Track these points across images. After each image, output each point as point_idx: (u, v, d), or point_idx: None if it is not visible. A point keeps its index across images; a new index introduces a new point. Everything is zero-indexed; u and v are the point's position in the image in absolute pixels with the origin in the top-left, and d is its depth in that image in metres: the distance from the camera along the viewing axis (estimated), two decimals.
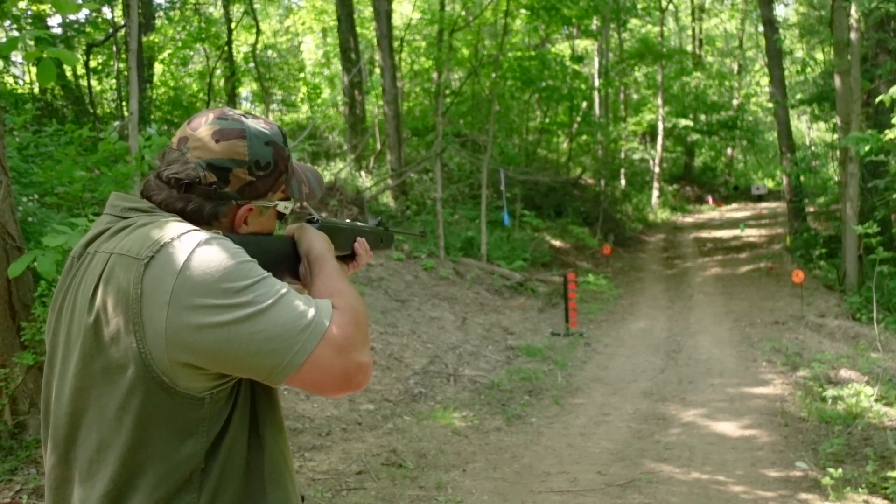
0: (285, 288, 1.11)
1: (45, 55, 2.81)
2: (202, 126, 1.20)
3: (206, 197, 1.18)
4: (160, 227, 1.11)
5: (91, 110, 12.58)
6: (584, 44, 21.79)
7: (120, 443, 1.08)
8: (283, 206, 1.29)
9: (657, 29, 26.65)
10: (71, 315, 1.13)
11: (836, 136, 13.80)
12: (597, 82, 21.97)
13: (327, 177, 14.13)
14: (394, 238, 1.73)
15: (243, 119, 1.22)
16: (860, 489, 4.11)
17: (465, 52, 17.76)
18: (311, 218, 1.42)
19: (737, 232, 19.63)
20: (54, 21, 12.44)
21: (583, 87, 20.02)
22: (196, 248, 1.06)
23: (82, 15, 12.50)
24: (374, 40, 16.10)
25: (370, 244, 1.58)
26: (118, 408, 1.07)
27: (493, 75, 15.80)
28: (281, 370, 1.07)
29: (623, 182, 24.09)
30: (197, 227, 1.12)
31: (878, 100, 9.16)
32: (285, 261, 1.33)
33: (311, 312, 1.10)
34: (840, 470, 4.19)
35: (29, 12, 10.35)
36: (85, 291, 1.11)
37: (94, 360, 1.08)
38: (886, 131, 8.18)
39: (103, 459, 1.09)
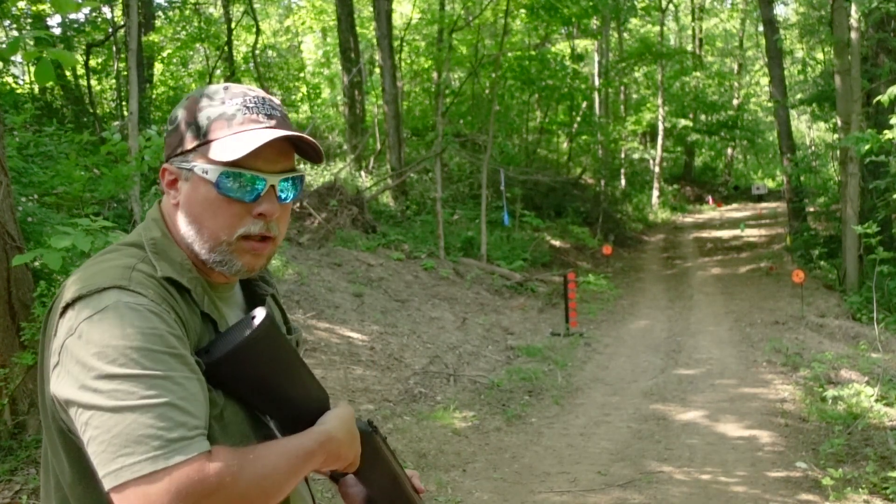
0: (166, 398, 0.92)
1: (44, 55, 2.81)
2: None
3: None
4: (102, 265, 1.05)
5: (91, 110, 12.58)
6: (583, 43, 21.78)
7: (48, 477, 1.08)
8: (202, 171, 1.08)
9: (657, 28, 26.65)
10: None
11: (835, 136, 13.81)
12: (597, 82, 21.97)
13: (327, 177, 14.13)
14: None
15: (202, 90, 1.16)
16: (860, 489, 4.11)
17: (465, 51, 17.77)
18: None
19: (737, 232, 19.63)
20: (54, 21, 12.43)
21: (583, 86, 20.03)
22: (94, 315, 0.96)
23: (82, 15, 12.50)
24: (374, 40, 16.10)
25: None
26: (48, 440, 1.07)
27: (493, 75, 15.80)
28: (103, 478, 0.91)
29: (623, 182, 24.09)
30: (128, 278, 1.00)
31: (875, 100, 9.17)
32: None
33: (171, 436, 0.90)
34: (840, 470, 4.19)
35: (28, 12, 10.35)
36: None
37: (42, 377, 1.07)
38: (885, 131, 8.17)
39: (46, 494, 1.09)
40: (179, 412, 0.92)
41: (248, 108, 1.11)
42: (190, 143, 1.10)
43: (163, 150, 1.20)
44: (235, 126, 1.09)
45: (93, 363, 0.93)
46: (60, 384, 0.96)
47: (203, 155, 1.09)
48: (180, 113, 1.13)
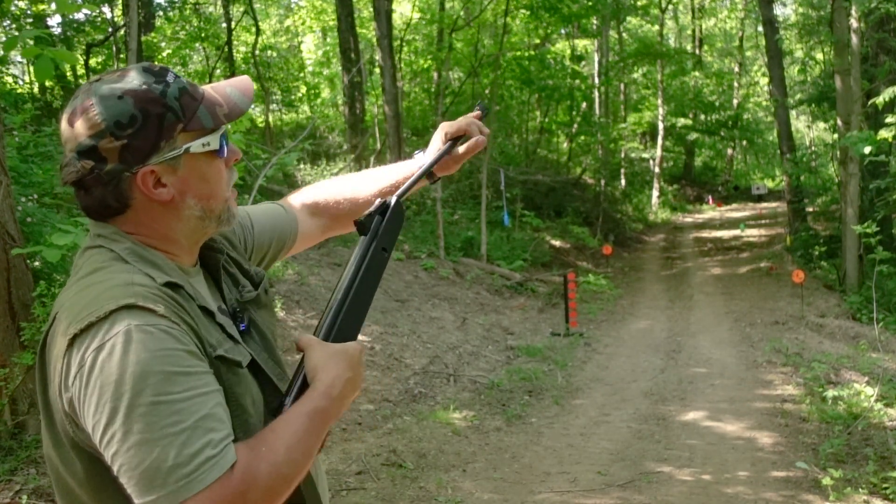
0: (188, 421, 0.94)
1: (44, 53, 2.81)
2: (62, 118, 1.09)
3: (101, 185, 1.05)
4: (98, 286, 1.01)
5: None
6: (583, 43, 21.79)
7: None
8: (202, 145, 1.09)
9: (656, 28, 26.66)
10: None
11: (835, 136, 13.80)
12: (597, 82, 21.97)
13: (327, 177, 14.12)
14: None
15: (92, 85, 1.08)
16: (860, 489, 4.11)
17: (465, 51, 17.76)
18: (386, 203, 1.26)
19: (737, 232, 19.63)
20: (54, 21, 12.44)
21: (583, 86, 20.02)
22: (107, 344, 0.94)
23: (82, 15, 12.50)
24: (374, 40, 16.10)
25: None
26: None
27: (492, 75, 15.80)
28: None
29: (623, 182, 24.10)
30: (132, 294, 0.98)
31: (870, 102, 9.18)
32: None
33: (196, 462, 0.93)
34: (840, 470, 4.19)
35: (29, 11, 10.35)
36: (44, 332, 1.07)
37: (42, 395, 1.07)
38: (881, 131, 8.18)
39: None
40: (203, 432, 0.94)
41: (180, 77, 1.11)
42: (173, 130, 1.06)
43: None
44: (196, 94, 1.10)
45: (110, 396, 0.93)
46: (81, 413, 0.96)
47: (192, 131, 1.08)
48: (133, 110, 1.04)
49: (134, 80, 1.06)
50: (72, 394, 0.97)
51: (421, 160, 1.52)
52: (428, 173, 1.49)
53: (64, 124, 1.08)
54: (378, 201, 1.28)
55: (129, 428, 0.92)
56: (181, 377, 0.95)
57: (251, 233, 1.40)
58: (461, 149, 1.51)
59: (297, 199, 1.55)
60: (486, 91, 17.19)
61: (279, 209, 1.49)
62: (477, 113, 1.56)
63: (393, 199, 1.28)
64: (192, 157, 1.09)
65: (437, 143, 1.53)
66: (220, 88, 1.15)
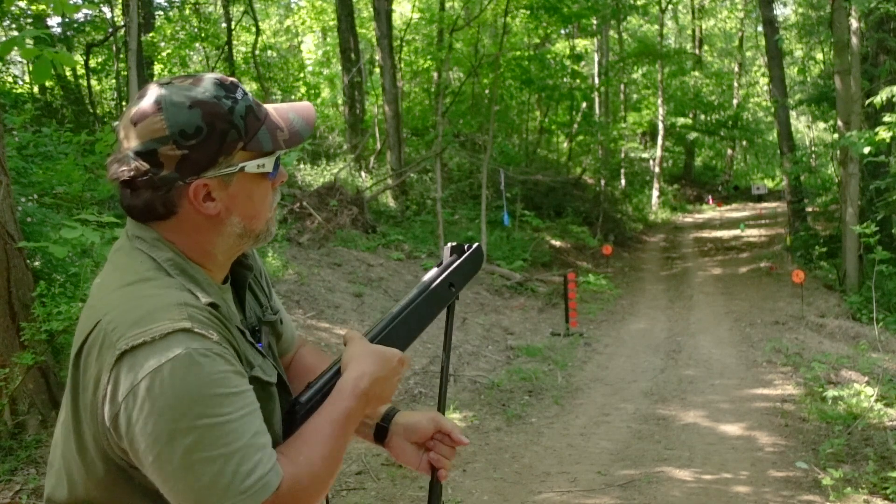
0: (241, 441, 0.96)
1: (43, 53, 2.81)
2: (125, 114, 1.07)
3: (151, 188, 1.05)
4: (149, 301, 1.01)
5: (91, 110, 12.57)
6: (583, 43, 21.79)
7: None
8: (257, 166, 1.09)
9: (656, 28, 26.66)
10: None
11: (835, 136, 13.81)
12: (597, 82, 21.97)
13: (327, 177, 14.12)
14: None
15: (162, 88, 1.06)
16: (861, 489, 4.11)
17: (465, 50, 17.76)
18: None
19: (737, 232, 19.64)
20: (54, 21, 12.44)
21: (583, 86, 20.02)
22: (164, 365, 0.94)
23: (81, 15, 12.50)
24: (374, 40, 16.10)
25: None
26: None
27: (492, 74, 15.80)
28: None
29: (623, 182, 24.10)
30: (188, 317, 0.99)
31: (867, 102, 9.18)
32: None
33: (249, 482, 0.96)
34: (840, 470, 4.19)
35: (28, 12, 10.35)
36: (79, 333, 1.05)
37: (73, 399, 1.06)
38: (879, 129, 8.18)
39: None
40: (255, 449, 0.98)
41: (248, 94, 1.12)
42: (233, 148, 1.07)
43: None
44: (260, 115, 1.11)
45: (169, 419, 0.94)
46: (127, 432, 0.96)
47: (249, 151, 1.09)
48: (200, 122, 1.04)
49: (206, 91, 1.06)
50: (119, 410, 0.96)
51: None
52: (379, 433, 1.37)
53: (126, 121, 1.06)
54: (454, 245, 1.31)
55: (187, 449, 0.94)
56: (233, 397, 0.98)
57: (272, 297, 1.37)
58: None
59: (302, 342, 1.49)
60: (486, 91, 17.20)
61: (293, 330, 1.43)
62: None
63: (475, 244, 1.30)
64: (244, 176, 1.09)
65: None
66: (284, 112, 1.14)
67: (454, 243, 1.29)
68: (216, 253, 1.12)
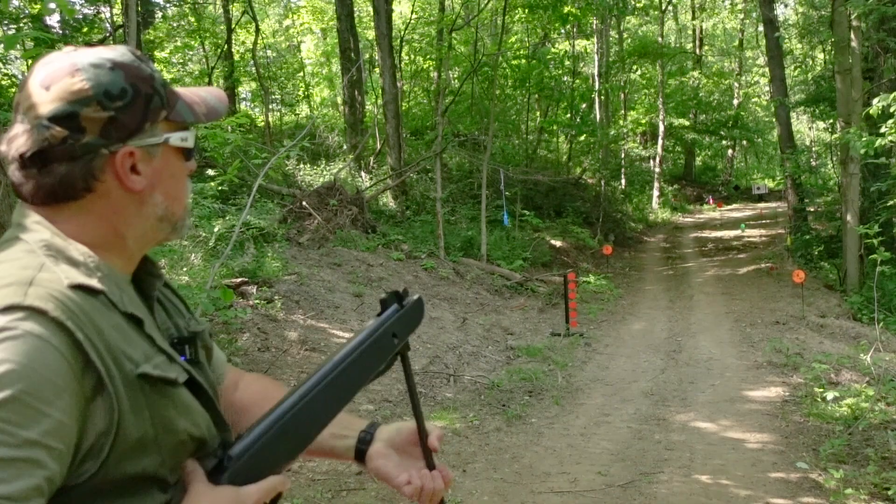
0: None
1: (43, 54, 2.81)
2: (28, 83, 0.95)
3: (67, 159, 0.92)
4: None
5: None
6: (583, 43, 21.79)
7: None
8: (180, 139, 1.01)
9: (656, 27, 26.66)
10: None
11: (834, 136, 13.81)
12: (597, 84, 21.97)
13: (327, 177, 14.11)
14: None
15: (71, 54, 0.95)
16: (861, 490, 4.10)
17: (464, 49, 17.76)
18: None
19: (737, 232, 19.63)
20: (54, 20, 12.44)
21: (582, 86, 20.01)
22: None
23: (80, 14, 12.50)
24: (374, 40, 16.10)
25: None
26: None
27: (491, 72, 15.79)
28: None
29: (623, 182, 24.09)
30: (18, 291, 0.83)
31: (864, 112, 9.17)
32: None
33: None
34: (841, 471, 4.18)
35: (27, 11, 10.35)
36: None
37: None
38: (877, 139, 8.19)
39: None
40: (13, 472, 0.76)
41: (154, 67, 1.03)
42: (157, 115, 0.98)
43: None
44: (173, 89, 1.03)
45: None
46: None
47: (171, 122, 1.00)
48: (125, 83, 0.94)
49: (124, 55, 0.97)
50: None
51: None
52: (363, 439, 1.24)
53: (35, 85, 0.93)
54: (389, 294, 1.17)
55: None
56: (16, 408, 0.77)
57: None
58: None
59: (238, 372, 1.32)
60: (484, 90, 17.18)
61: (223, 356, 1.28)
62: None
63: (416, 296, 1.21)
64: (167, 151, 1.00)
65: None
66: (195, 91, 1.07)
67: (385, 296, 1.18)
68: (128, 238, 0.99)
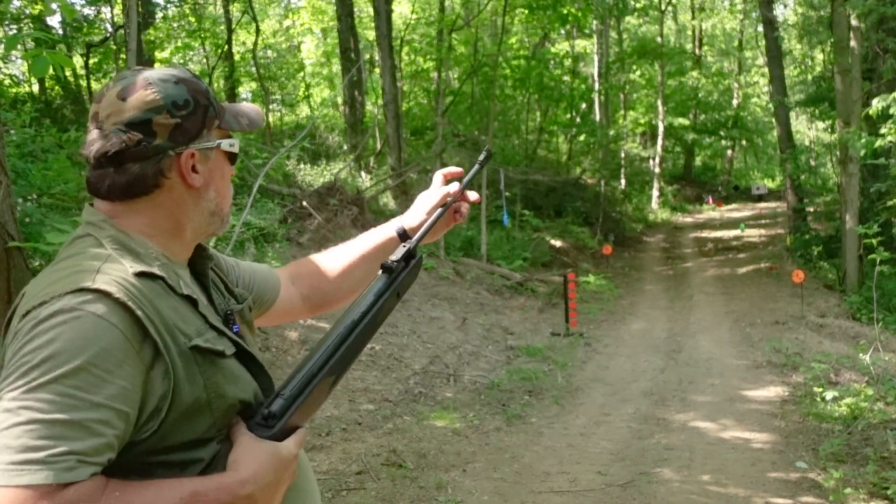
0: (64, 415, 0.89)
1: (43, 54, 2.81)
2: (105, 95, 1.11)
3: (141, 159, 1.08)
4: (64, 271, 1.02)
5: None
6: (583, 44, 21.79)
7: None
8: (228, 144, 1.19)
9: (656, 27, 26.65)
10: None
11: (833, 136, 13.80)
12: (597, 84, 21.96)
13: (327, 177, 14.12)
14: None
15: (141, 71, 1.13)
16: (860, 489, 4.10)
17: (464, 49, 17.76)
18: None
19: (737, 232, 19.63)
20: (54, 20, 12.44)
21: (582, 87, 20.00)
22: (44, 321, 0.94)
23: (81, 14, 12.50)
24: (374, 40, 16.09)
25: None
26: None
27: (491, 73, 15.79)
28: None
29: (623, 182, 24.09)
30: (87, 277, 0.98)
31: (863, 112, 9.17)
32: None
33: (35, 455, 0.87)
34: (840, 470, 4.19)
35: (27, 12, 10.36)
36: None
37: None
38: (877, 139, 8.19)
39: None
40: (69, 428, 0.89)
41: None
42: (212, 124, 1.16)
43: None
44: (221, 103, 1.21)
45: (22, 362, 0.91)
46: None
47: (221, 130, 1.18)
48: (188, 95, 1.12)
49: (183, 72, 1.16)
50: (6, 351, 0.97)
51: (419, 205, 1.59)
52: (403, 235, 1.54)
53: (112, 98, 1.10)
54: (404, 249, 1.33)
55: (17, 395, 0.89)
56: (84, 376, 0.92)
57: (236, 272, 1.42)
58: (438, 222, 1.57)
59: (285, 267, 1.60)
60: (485, 91, 17.18)
61: (266, 267, 1.52)
62: (481, 157, 1.60)
63: (419, 255, 1.36)
64: (218, 154, 1.18)
65: (437, 182, 1.61)
66: (237, 106, 1.24)
67: (400, 252, 1.32)
68: (188, 229, 1.17)
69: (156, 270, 1.07)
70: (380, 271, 1.28)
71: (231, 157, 1.22)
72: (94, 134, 1.10)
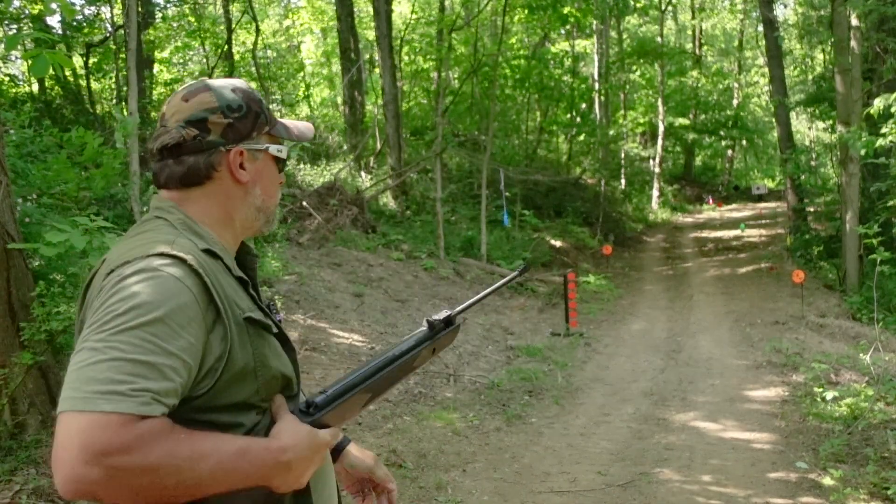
0: (144, 357, 1.00)
1: (43, 54, 2.82)
2: (173, 98, 1.29)
3: (195, 152, 1.24)
4: (143, 237, 1.18)
5: (91, 110, 12.57)
6: (583, 44, 21.78)
7: None
8: (276, 150, 1.33)
9: (656, 27, 26.64)
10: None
11: (833, 136, 13.80)
12: (597, 84, 21.95)
13: (327, 177, 14.12)
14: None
15: (206, 80, 1.31)
16: (861, 489, 4.10)
17: (464, 49, 17.75)
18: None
19: (737, 232, 19.63)
20: (54, 20, 12.44)
21: (582, 86, 19.99)
22: (131, 275, 1.08)
23: (81, 14, 12.49)
24: (374, 40, 16.09)
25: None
26: None
27: (491, 73, 15.78)
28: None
29: (623, 182, 24.09)
30: (166, 245, 1.13)
31: (864, 113, 9.17)
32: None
33: (118, 388, 0.97)
34: (840, 470, 4.19)
35: (27, 12, 10.36)
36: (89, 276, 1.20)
37: None
38: (878, 139, 8.19)
39: None
40: (148, 369, 1.00)
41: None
42: (262, 128, 1.30)
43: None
44: (274, 116, 1.36)
45: (109, 310, 1.04)
46: (88, 318, 1.08)
47: (271, 136, 1.33)
48: (242, 101, 1.27)
49: (242, 84, 1.32)
50: (92, 302, 1.10)
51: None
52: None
53: (177, 100, 1.26)
54: (446, 313, 1.45)
55: (104, 337, 1.01)
56: (162, 327, 1.03)
57: None
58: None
59: None
60: (485, 91, 17.17)
61: None
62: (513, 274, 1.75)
63: (458, 320, 1.49)
64: (266, 157, 1.32)
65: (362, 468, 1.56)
66: (292, 121, 1.39)
67: (444, 315, 1.45)
68: (236, 220, 1.30)
69: (217, 251, 1.21)
70: (424, 324, 1.42)
71: (280, 164, 1.35)
72: (158, 131, 1.26)
